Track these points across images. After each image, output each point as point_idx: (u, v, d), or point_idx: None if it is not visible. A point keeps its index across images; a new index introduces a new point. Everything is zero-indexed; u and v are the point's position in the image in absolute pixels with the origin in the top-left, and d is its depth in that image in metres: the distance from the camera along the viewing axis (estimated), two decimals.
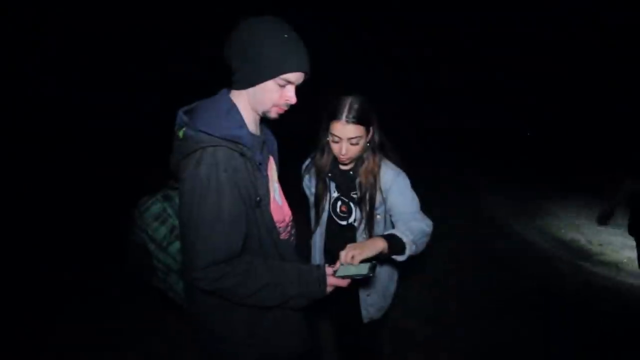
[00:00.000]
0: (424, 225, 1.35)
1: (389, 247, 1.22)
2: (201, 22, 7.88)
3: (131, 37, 7.42)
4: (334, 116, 1.32)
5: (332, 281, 1.12)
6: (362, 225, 1.48)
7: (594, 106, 7.54)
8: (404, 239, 1.25)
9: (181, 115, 1.05)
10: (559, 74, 8.32)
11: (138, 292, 2.67)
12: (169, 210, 1.18)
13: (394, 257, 1.27)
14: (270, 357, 1.15)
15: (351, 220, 1.51)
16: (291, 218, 1.26)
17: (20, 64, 6.35)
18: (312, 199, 1.60)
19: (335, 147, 1.37)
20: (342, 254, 1.15)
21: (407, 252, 1.26)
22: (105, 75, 7.38)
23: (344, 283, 1.13)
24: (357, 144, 1.34)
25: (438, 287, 3.12)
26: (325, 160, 1.48)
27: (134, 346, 2.39)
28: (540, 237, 4.26)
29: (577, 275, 3.44)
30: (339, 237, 1.54)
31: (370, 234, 1.46)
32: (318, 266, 1.14)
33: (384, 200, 1.44)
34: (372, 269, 1.11)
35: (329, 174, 1.50)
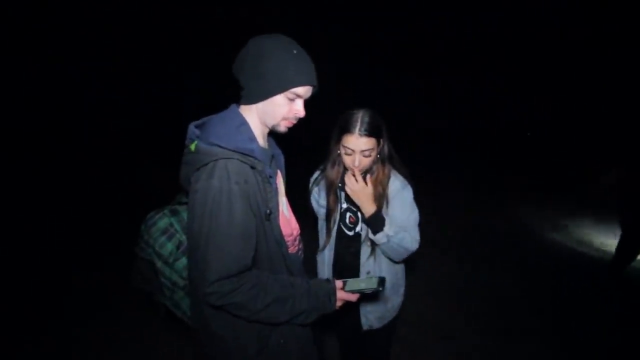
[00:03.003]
0: (409, 243, 1.42)
1: (373, 217, 1.36)
2: (206, 33, 7.79)
3: (133, 43, 7.37)
4: (347, 129, 1.36)
5: (341, 295, 1.11)
6: (367, 232, 1.47)
7: (594, 105, 7.46)
8: (385, 229, 1.36)
9: (193, 129, 1.06)
10: (557, 74, 8.26)
11: (140, 298, 2.67)
12: (176, 226, 1.17)
13: (368, 231, 1.40)
14: None
15: (358, 229, 1.52)
16: (299, 232, 1.25)
17: (23, 62, 6.33)
18: (321, 211, 1.60)
19: (347, 160, 1.40)
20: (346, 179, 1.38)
21: (378, 237, 1.38)
22: (108, 77, 7.35)
23: (354, 297, 1.13)
24: (369, 155, 1.38)
25: (449, 300, 3.07)
26: (336, 173, 1.51)
27: (134, 348, 2.38)
28: (559, 244, 4.19)
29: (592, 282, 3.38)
30: (346, 247, 1.55)
31: (372, 241, 1.46)
32: (328, 280, 1.13)
33: (387, 206, 1.46)
34: (382, 283, 1.11)
35: (340, 184, 1.52)
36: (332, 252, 1.58)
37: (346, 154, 1.40)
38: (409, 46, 9.50)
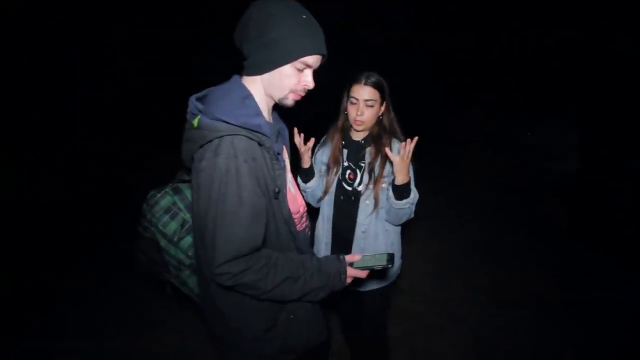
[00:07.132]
0: (413, 209, 1.52)
1: (405, 185, 1.42)
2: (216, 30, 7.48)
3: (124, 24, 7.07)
4: (355, 80, 1.51)
5: (351, 272, 1.10)
6: (368, 192, 1.54)
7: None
8: (412, 196, 1.45)
9: (194, 103, 0.99)
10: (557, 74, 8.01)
11: (149, 286, 2.62)
12: (179, 204, 1.13)
13: (390, 197, 1.45)
14: (289, 349, 1.14)
15: (356, 184, 1.58)
16: (305, 209, 1.23)
17: (24, 58, 6.10)
18: (323, 168, 1.66)
19: (352, 110, 1.52)
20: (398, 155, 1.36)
21: (401, 203, 1.44)
22: (114, 75, 7.10)
23: (363, 274, 1.12)
24: (372, 106, 1.50)
25: (447, 272, 3.07)
26: (341, 127, 1.62)
27: (141, 336, 2.37)
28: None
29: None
30: (345, 201, 1.60)
31: (376, 200, 1.52)
32: (338, 257, 1.11)
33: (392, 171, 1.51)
34: (391, 259, 1.10)
35: (343, 142, 1.62)
36: (332, 207, 1.64)
37: (352, 103, 1.52)
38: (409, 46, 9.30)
